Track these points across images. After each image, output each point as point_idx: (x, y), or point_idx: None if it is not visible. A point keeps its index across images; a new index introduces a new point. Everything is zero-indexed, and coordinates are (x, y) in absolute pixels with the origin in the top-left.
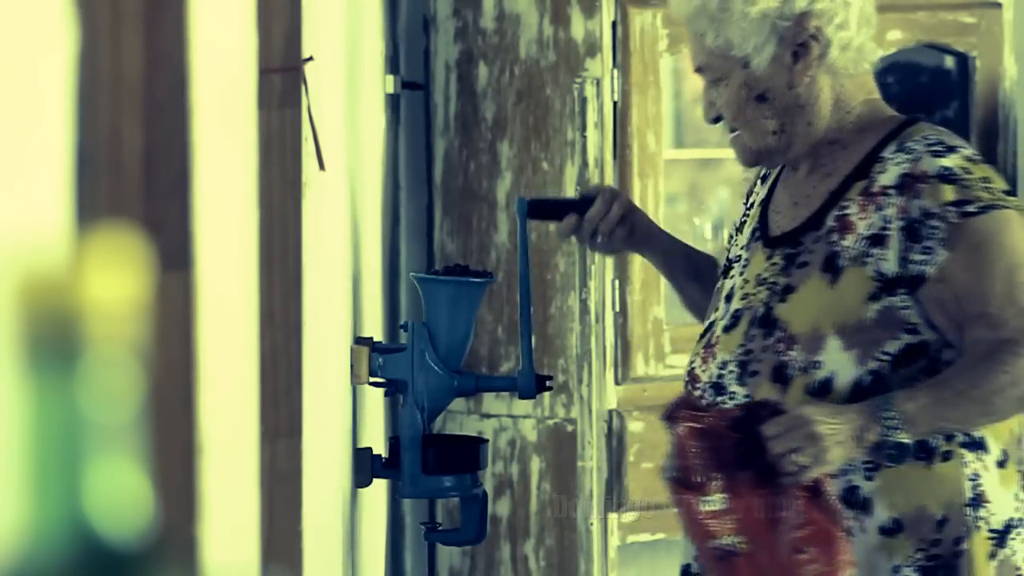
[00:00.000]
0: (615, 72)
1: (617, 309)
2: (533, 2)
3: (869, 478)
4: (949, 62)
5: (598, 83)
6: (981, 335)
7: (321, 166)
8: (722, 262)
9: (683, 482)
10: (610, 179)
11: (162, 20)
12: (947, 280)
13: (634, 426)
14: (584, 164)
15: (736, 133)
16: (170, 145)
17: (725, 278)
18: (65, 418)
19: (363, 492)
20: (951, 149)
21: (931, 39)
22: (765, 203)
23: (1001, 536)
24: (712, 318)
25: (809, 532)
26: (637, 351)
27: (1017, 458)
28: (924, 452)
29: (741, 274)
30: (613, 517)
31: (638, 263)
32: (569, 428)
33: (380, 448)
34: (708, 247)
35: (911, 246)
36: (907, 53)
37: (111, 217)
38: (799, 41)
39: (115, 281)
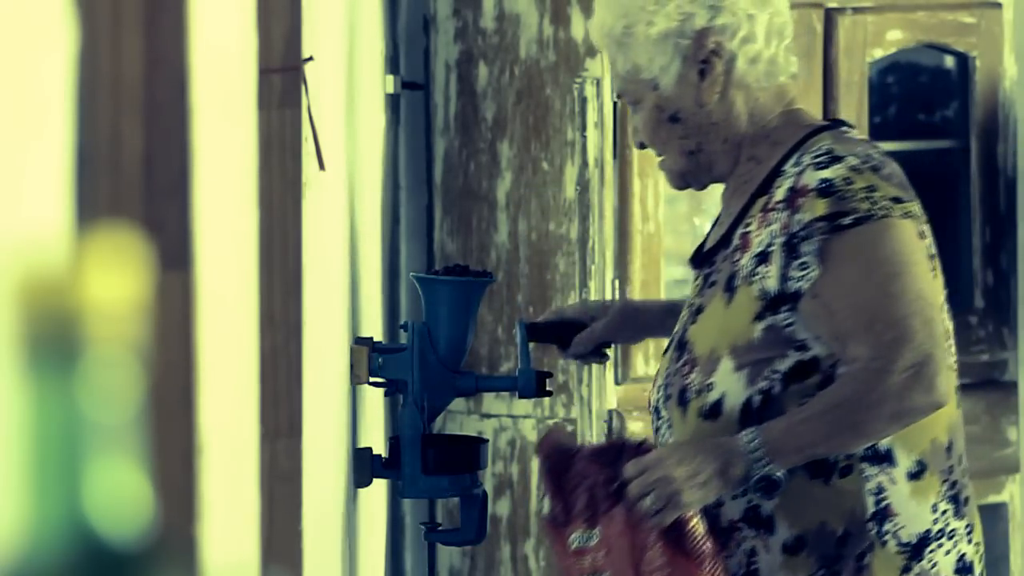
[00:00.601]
0: None
1: None
2: (533, 2)
3: (769, 497)
4: (949, 62)
5: (598, 83)
6: (856, 352)
7: (321, 166)
8: None
9: (552, 517)
10: (610, 179)
11: (162, 20)
12: (821, 296)
13: (634, 426)
14: (584, 164)
15: (662, 158)
16: (170, 145)
17: None
18: (65, 418)
19: (363, 492)
20: (836, 159)
21: (931, 39)
22: (715, 224)
23: (916, 549)
24: None
25: (669, 572)
26: (637, 351)
27: (942, 467)
28: (822, 468)
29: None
30: None
31: (638, 263)
32: (569, 428)
33: (380, 448)
34: None
35: (790, 262)
36: (907, 53)
37: (111, 217)
38: (701, 58)
39: (115, 281)
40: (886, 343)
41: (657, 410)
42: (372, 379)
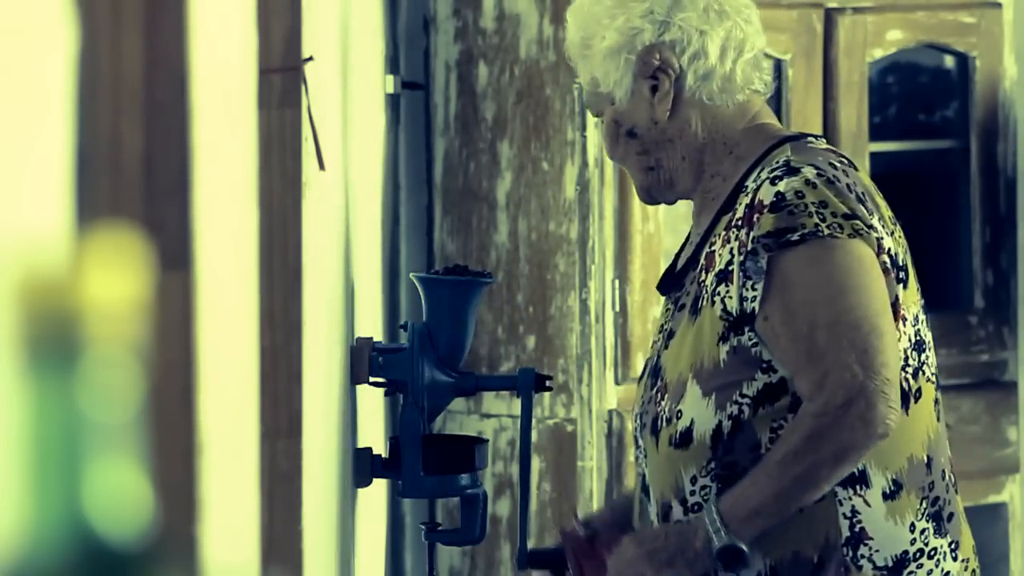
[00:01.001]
0: None
1: (617, 309)
2: (533, 2)
3: (736, 570)
4: (949, 62)
5: None
6: (799, 388)
7: (321, 166)
8: None
9: None
10: (610, 179)
11: (162, 20)
12: (770, 319)
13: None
14: (584, 164)
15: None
16: (170, 145)
17: None
18: (65, 418)
19: (363, 492)
20: (792, 172)
21: (931, 39)
22: (684, 244)
23: (893, 571)
24: None
25: None
26: (637, 351)
27: (920, 484)
28: None
29: None
30: None
31: (638, 263)
32: (569, 428)
33: (380, 448)
34: None
35: (745, 281)
36: (907, 53)
37: (111, 217)
38: (648, 74)
39: (115, 281)
40: (818, 380)
41: (636, 440)
42: (372, 379)
